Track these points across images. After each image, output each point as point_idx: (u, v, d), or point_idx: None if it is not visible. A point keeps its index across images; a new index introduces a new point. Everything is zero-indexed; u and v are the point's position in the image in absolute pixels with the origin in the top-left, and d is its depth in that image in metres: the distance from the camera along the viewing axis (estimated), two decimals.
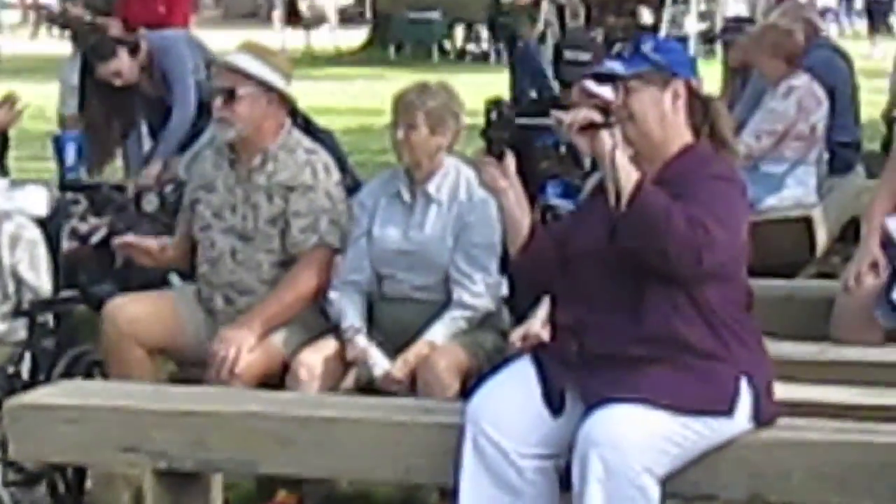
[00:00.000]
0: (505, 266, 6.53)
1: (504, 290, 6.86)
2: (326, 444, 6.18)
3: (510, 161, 5.88)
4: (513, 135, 5.97)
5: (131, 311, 7.24)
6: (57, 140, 10.61)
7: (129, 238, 7.77)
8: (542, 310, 6.44)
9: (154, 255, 7.52)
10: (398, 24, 34.27)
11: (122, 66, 10.74)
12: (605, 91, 5.89)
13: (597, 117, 5.63)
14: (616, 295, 5.59)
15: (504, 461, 5.62)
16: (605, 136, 5.54)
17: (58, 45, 12.07)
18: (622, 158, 5.54)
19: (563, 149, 6.96)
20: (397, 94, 7.10)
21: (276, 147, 7.18)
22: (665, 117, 5.73)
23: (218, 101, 7.24)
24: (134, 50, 10.82)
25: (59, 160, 10.41)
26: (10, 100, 11.62)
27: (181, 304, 7.33)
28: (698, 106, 5.84)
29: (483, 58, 32.28)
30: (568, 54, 8.58)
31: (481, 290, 6.81)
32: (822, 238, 9.70)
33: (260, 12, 44.55)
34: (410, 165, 6.99)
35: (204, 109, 10.06)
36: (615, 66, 5.86)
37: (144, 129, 11.20)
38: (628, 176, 5.50)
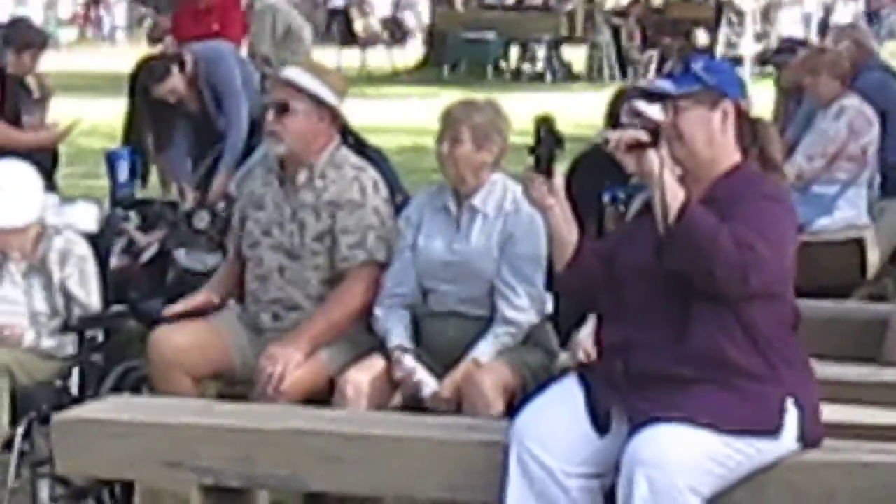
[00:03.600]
0: (551, 283, 6.50)
1: (549, 307, 6.83)
2: (372, 462, 6.18)
3: (559, 178, 5.89)
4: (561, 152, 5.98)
5: (177, 341, 7.21)
6: (109, 156, 10.61)
7: (177, 308, 7.72)
8: (588, 328, 6.41)
9: (208, 302, 7.52)
10: (454, 44, 34.32)
11: (176, 83, 10.79)
12: (654, 110, 5.85)
13: (644, 137, 5.62)
14: (662, 314, 5.58)
15: (550, 480, 5.61)
16: (652, 155, 5.52)
17: (107, 62, 12.12)
18: (669, 178, 5.53)
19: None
20: (444, 108, 7.11)
21: (323, 163, 7.17)
22: (714, 137, 5.70)
23: (271, 115, 7.25)
24: (182, 65, 10.88)
25: (112, 176, 10.42)
26: (76, 125, 11.74)
27: (225, 328, 7.31)
28: (747, 127, 5.81)
29: (539, 78, 32.33)
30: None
31: (525, 303, 6.79)
32: (873, 260, 9.68)
33: (325, 31, 44.66)
34: (455, 180, 6.98)
35: (255, 127, 10.16)
36: (665, 85, 5.85)
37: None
38: (675, 195, 5.49)
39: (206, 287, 7.53)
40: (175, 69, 10.81)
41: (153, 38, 11.37)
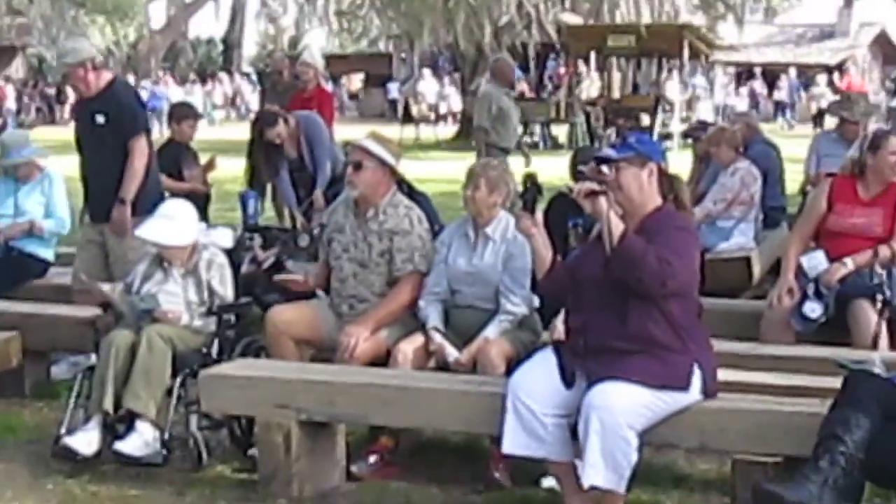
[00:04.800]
0: (535, 287, 6.51)
1: (535, 303, 6.83)
2: (414, 405, 6.22)
3: (539, 215, 5.95)
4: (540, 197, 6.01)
5: (285, 315, 7.26)
6: (241, 197, 10.63)
7: (283, 277, 7.82)
8: (560, 317, 6.42)
9: (301, 284, 7.57)
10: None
11: (281, 130, 10.91)
12: (604, 169, 5.88)
13: (596, 187, 5.63)
14: (608, 307, 5.58)
15: (532, 418, 5.64)
16: (601, 200, 5.55)
17: (244, 133, 12.13)
18: (613, 216, 5.56)
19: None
20: (469, 166, 7.12)
21: (385, 204, 7.14)
22: (643, 188, 5.73)
23: (349, 169, 7.24)
24: (286, 121, 11.00)
25: (243, 210, 10.44)
26: (212, 161, 11.75)
27: (319, 310, 7.32)
28: (666, 180, 5.83)
29: (535, 146, 32.18)
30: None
31: (519, 300, 6.77)
32: (756, 272, 9.63)
33: (386, 113, 44.54)
34: (474, 215, 6.96)
35: (338, 179, 10.23)
36: (610, 153, 5.91)
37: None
38: (617, 228, 5.52)
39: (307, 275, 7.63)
40: (282, 121, 10.97)
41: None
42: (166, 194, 9.51)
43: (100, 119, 8.68)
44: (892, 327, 7.29)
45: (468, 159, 7.37)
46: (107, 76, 8.78)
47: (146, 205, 8.41)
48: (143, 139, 8.70)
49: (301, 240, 9.76)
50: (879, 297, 7.31)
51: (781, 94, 44.40)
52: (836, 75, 44.91)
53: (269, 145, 11.01)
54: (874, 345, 7.08)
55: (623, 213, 5.69)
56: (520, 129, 14.34)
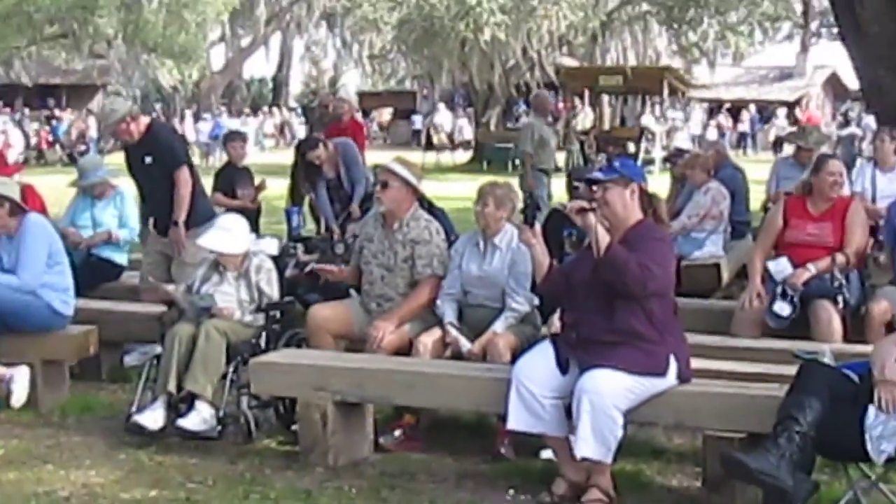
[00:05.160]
0: (534, 288, 6.48)
1: (535, 302, 6.79)
2: (432, 388, 6.21)
3: (538, 228, 5.96)
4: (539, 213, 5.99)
5: (323, 312, 7.24)
6: (286, 212, 10.65)
7: (321, 266, 7.82)
8: (556, 314, 6.40)
9: (336, 273, 7.54)
10: (489, 149, 33.99)
11: (321, 152, 10.98)
12: (593, 189, 5.87)
13: (586, 205, 5.63)
14: (597, 305, 5.56)
15: (533, 399, 5.63)
16: (591, 215, 5.54)
17: (290, 158, 12.24)
18: (600, 229, 5.55)
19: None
20: (479, 186, 7.09)
21: (408, 218, 7.12)
22: (626, 204, 5.70)
23: (378, 188, 7.23)
24: (326, 146, 11.06)
25: (288, 223, 10.45)
26: (262, 183, 11.74)
27: (352, 307, 7.29)
28: (646, 198, 5.80)
29: None
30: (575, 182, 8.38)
31: (522, 300, 6.73)
32: (725, 276, 9.60)
33: (410, 141, 44.53)
34: (484, 227, 6.92)
35: (366, 197, 10.23)
36: (598, 175, 5.89)
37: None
38: (604, 239, 5.52)
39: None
40: (322, 146, 11.04)
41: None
42: (218, 210, 9.52)
43: (147, 160, 8.73)
44: (846, 324, 7.29)
45: (479, 180, 7.33)
46: (145, 121, 8.81)
47: (197, 220, 8.56)
48: (185, 170, 8.73)
49: (337, 248, 9.76)
50: (840, 298, 7.32)
51: (744, 126, 44.35)
52: (793, 111, 44.83)
53: (310, 165, 11.08)
54: (836, 339, 7.06)
55: (609, 226, 5.67)
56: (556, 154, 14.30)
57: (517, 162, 28.02)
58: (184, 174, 8.69)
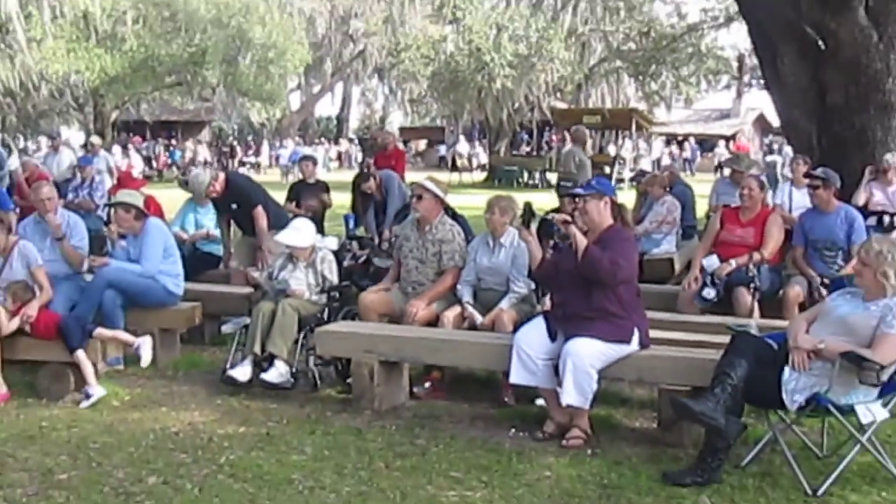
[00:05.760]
0: (531, 275, 6.44)
1: (532, 286, 6.75)
2: (453, 351, 6.18)
3: (533, 229, 5.91)
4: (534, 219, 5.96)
5: (371, 295, 7.20)
6: (345, 217, 10.65)
7: (375, 286, 7.46)
8: (548, 296, 6.36)
9: (386, 287, 7.33)
10: (499, 171, 33.85)
11: (371, 184, 10.90)
12: (576, 201, 5.84)
13: (568, 217, 5.65)
14: (579, 289, 5.53)
15: (530, 360, 5.60)
16: (572, 226, 5.56)
17: (349, 177, 12.19)
18: (580, 234, 5.54)
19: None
20: (488, 199, 7.05)
21: (436, 222, 7.10)
22: (601, 213, 5.67)
23: (413, 200, 7.21)
24: (375, 178, 10.95)
25: (346, 226, 10.44)
26: (324, 200, 11.62)
27: (393, 294, 7.23)
28: (616, 208, 5.76)
29: (535, 187, 31.95)
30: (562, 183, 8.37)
31: (522, 285, 6.69)
32: (677, 268, 9.53)
33: (440, 164, 44.34)
34: (492, 230, 6.89)
35: (405, 207, 10.19)
36: (579, 190, 5.85)
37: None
38: (583, 242, 5.51)
39: (385, 279, 7.42)
40: (372, 179, 10.90)
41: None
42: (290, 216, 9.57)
43: (233, 206, 9.02)
44: (761, 305, 7.32)
45: (491, 194, 7.30)
46: (222, 178, 9.04)
47: (276, 224, 8.53)
48: (260, 207, 8.93)
49: (383, 245, 9.79)
50: (752, 285, 7.35)
51: (687, 154, 44.23)
52: (730, 142, 44.53)
53: (364, 193, 11.01)
54: (750, 315, 7.09)
55: (586, 232, 5.64)
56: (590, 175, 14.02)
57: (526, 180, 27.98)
58: (259, 210, 8.91)
